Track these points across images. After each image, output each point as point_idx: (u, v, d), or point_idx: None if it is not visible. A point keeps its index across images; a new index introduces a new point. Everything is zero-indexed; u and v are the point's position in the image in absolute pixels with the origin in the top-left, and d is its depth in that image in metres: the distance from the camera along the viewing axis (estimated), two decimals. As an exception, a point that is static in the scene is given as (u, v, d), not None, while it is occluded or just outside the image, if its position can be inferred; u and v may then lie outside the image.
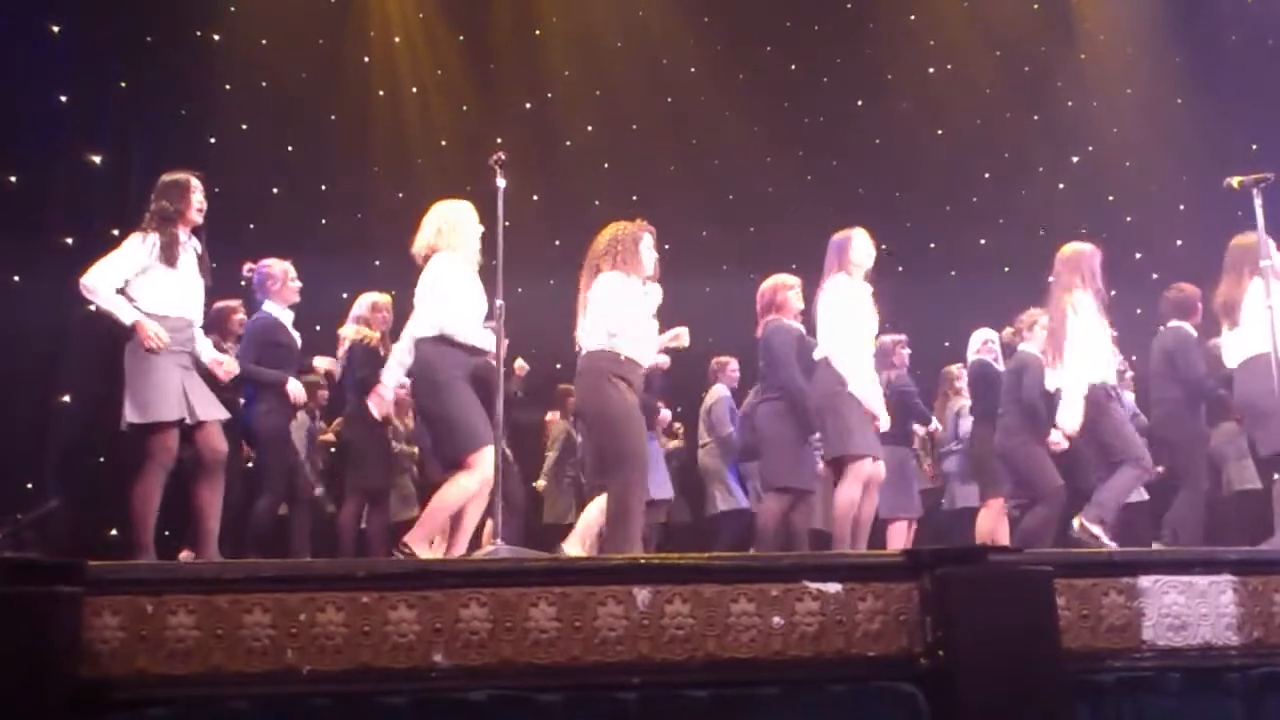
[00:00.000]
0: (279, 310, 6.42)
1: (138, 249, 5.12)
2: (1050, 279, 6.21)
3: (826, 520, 7.28)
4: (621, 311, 5.26)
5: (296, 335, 6.48)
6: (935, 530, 8.03)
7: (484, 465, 5.01)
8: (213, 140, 8.93)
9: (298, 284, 6.50)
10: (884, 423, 6.14)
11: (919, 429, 7.67)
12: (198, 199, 5.27)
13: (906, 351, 7.54)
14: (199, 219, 5.29)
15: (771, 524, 6.36)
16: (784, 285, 6.50)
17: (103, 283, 5.06)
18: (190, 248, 5.25)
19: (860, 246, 6.11)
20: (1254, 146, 9.20)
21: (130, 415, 5.03)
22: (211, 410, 5.16)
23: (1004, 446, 6.65)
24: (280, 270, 6.46)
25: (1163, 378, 6.66)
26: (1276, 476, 6.28)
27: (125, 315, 5.06)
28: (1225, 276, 6.20)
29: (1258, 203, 5.49)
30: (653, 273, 5.51)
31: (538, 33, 10.32)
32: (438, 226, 5.28)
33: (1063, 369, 6.11)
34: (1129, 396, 7.51)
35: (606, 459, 5.23)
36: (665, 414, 7.39)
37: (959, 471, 7.97)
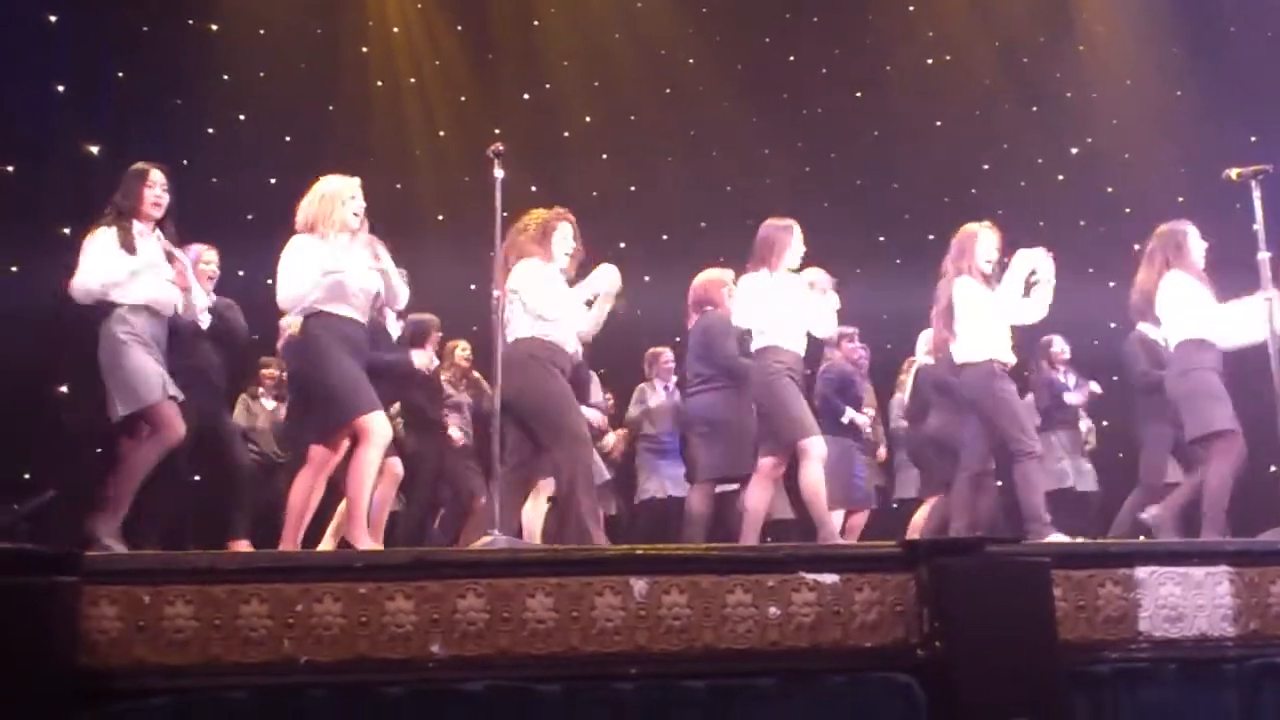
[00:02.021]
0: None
1: (103, 243, 5.08)
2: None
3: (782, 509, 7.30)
4: (547, 297, 5.32)
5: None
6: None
7: (376, 430, 5.00)
8: (210, 131, 8.91)
9: (207, 268, 6.31)
10: None
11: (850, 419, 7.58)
12: (152, 194, 5.19)
13: (854, 345, 7.56)
14: (155, 213, 5.21)
15: (706, 511, 6.31)
16: (720, 282, 6.53)
17: (93, 280, 5.04)
18: (153, 239, 5.20)
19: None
20: (1253, 138, 9.18)
21: (120, 408, 5.02)
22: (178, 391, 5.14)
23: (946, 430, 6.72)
24: (191, 256, 6.35)
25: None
26: (1274, 468, 6.29)
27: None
28: (1142, 268, 6.17)
29: (1256, 194, 5.49)
30: (565, 262, 5.51)
31: (536, 23, 10.30)
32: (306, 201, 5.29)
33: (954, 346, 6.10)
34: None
35: (560, 442, 5.20)
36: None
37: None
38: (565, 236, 5.52)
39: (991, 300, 5.97)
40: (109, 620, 3.17)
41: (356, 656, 3.26)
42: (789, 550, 3.80)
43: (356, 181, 5.29)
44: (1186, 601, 3.69)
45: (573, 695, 3.30)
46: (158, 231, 5.25)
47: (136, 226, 5.15)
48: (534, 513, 6.45)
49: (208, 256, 6.35)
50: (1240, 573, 3.75)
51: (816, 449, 5.80)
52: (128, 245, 5.08)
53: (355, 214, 5.21)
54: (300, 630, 3.24)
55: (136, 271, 5.07)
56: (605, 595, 3.40)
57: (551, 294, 5.35)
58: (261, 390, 7.69)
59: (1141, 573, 3.69)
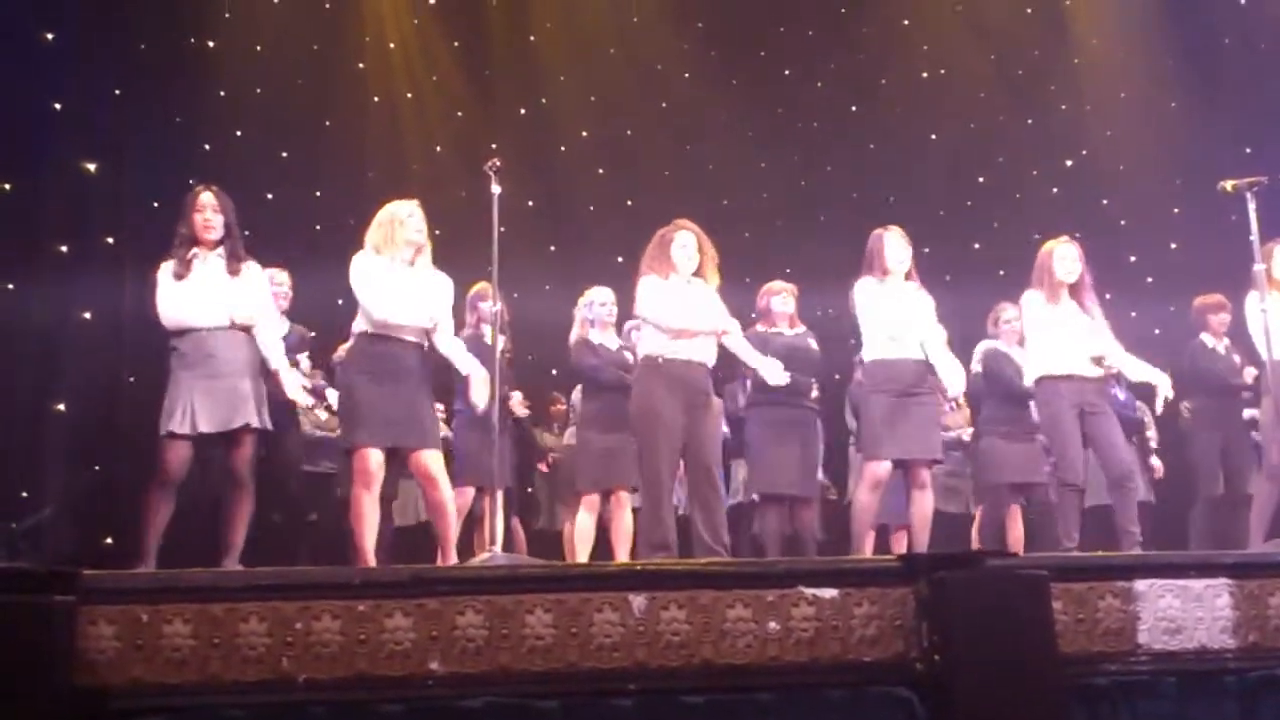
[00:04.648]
0: None
1: (161, 278, 5.24)
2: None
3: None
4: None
5: None
6: None
7: (359, 468, 5.06)
8: (207, 147, 8.91)
9: (279, 289, 6.48)
10: None
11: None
12: (202, 217, 5.27)
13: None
14: (208, 235, 5.27)
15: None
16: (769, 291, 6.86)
17: (178, 310, 5.19)
18: (213, 259, 5.26)
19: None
20: (1247, 150, 9.19)
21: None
22: (221, 422, 5.10)
23: None
24: None
25: None
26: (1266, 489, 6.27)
27: None
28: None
29: (1251, 206, 5.50)
30: (689, 269, 5.74)
31: (532, 39, 10.31)
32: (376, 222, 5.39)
33: None
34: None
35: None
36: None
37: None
38: (681, 245, 5.72)
39: (1052, 317, 5.99)
40: (106, 640, 3.17)
41: (355, 674, 3.25)
42: (788, 565, 3.80)
43: (414, 203, 5.39)
44: (1186, 614, 3.69)
45: (572, 712, 3.29)
46: (220, 250, 5.30)
47: (195, 252, 5.26)
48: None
49: (278, 279, 6.43)
50: (1240, 585, 3.75)
51: (873, 471, 5.83)
52: (180, 274, 5.21)
53: (419, 230, 5.30)
54: (299, 648, 3.24)
55: (186, 298, 5.17)
56: (604, 611, 3.39)
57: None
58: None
59: (1141, 585, 3.69)
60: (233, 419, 5.12)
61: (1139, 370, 6.05)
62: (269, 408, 6.14)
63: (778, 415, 6.57)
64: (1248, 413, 7.01)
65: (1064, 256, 6.06)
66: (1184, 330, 7.32)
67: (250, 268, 5.38)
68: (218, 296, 5.22)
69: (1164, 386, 6.02)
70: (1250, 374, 6.91)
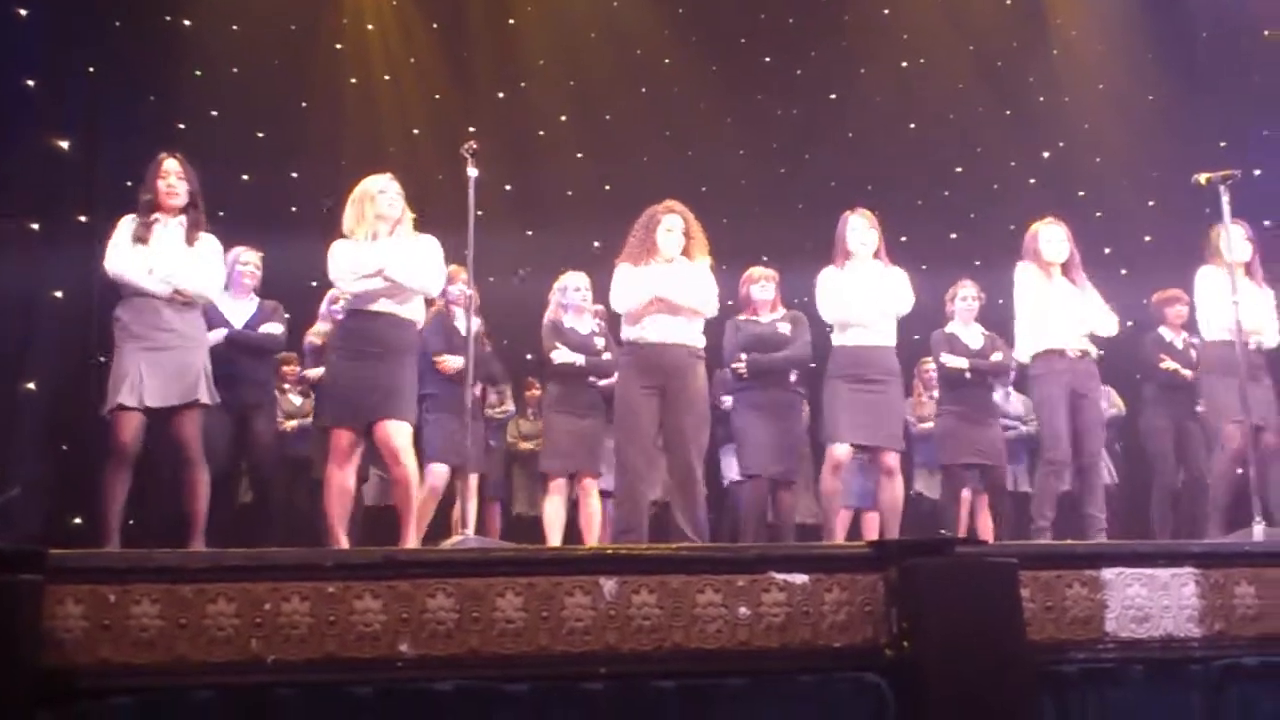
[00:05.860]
0: None
1: (120, 233, 5.17)
2: None
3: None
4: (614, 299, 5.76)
5: None
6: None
7: (333, 445, 5.09)
8: (182, 126, 8.84)
9: (245, 268, 6.49)
10: None
11: None
12: (165, 184, 5.23)
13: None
14: (172, 202, 5.23)
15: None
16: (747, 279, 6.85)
17: (126, 266, 5.09)
18: (173, 226, 5.21)
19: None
20: (1222, 144, 9.25)
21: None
22: (169, 396, 5.05)
23: None
24: (229, 258, 6.44)
25: None
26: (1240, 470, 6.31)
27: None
28: None
29: (1225, 199, 5.54)
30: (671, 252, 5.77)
31: (511, 22, 10.27)
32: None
33: None
34: None
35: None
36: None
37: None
38: (667, 228, 5.76)
39: (1045, 290, 6.03)
40: (74, 619, 3.15)
41: (324, 656, 3.24)
42: (759, 550, 3.81)
43: (386, 176, 5.38)
44: (1152, 603, 3.72)
45: (542, 695, 3.29)
46: (181, 219, 5.25)
47: (156, 217, 5.21)
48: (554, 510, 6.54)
49: (245, 258, 6.38)
50: (1205, 574, 3.78)
51: (832, 454, 5.91)
52: (142, 236, 5.15)
53: (391, 204, 5.28)
54: (268, 629, 3.23)
55: (142, 264, 5.11)
56: (575, 595, 3.39)
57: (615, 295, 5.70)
58: (286, 386, 7.68)
59: (1108, 574, 3.72)
60: (182, 394, 5.07)
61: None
62: (246, 388, 6.12)
63: (761, 398, 6.60)
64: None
65: (1050, 238, 6.11)
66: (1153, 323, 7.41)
67: (207, 240, 5.32)
68: (171, 266, 5.15)
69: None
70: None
